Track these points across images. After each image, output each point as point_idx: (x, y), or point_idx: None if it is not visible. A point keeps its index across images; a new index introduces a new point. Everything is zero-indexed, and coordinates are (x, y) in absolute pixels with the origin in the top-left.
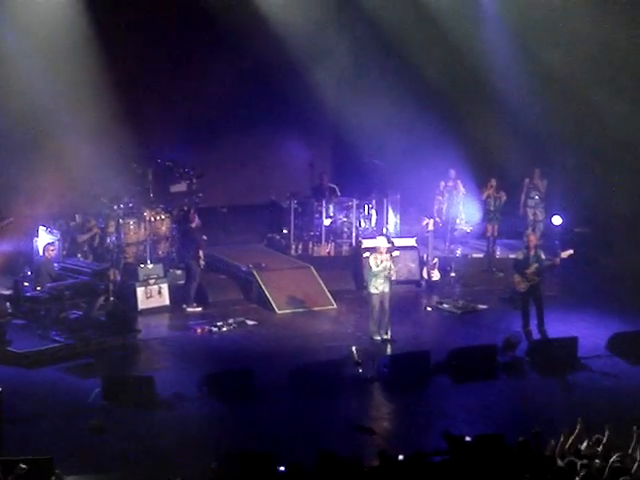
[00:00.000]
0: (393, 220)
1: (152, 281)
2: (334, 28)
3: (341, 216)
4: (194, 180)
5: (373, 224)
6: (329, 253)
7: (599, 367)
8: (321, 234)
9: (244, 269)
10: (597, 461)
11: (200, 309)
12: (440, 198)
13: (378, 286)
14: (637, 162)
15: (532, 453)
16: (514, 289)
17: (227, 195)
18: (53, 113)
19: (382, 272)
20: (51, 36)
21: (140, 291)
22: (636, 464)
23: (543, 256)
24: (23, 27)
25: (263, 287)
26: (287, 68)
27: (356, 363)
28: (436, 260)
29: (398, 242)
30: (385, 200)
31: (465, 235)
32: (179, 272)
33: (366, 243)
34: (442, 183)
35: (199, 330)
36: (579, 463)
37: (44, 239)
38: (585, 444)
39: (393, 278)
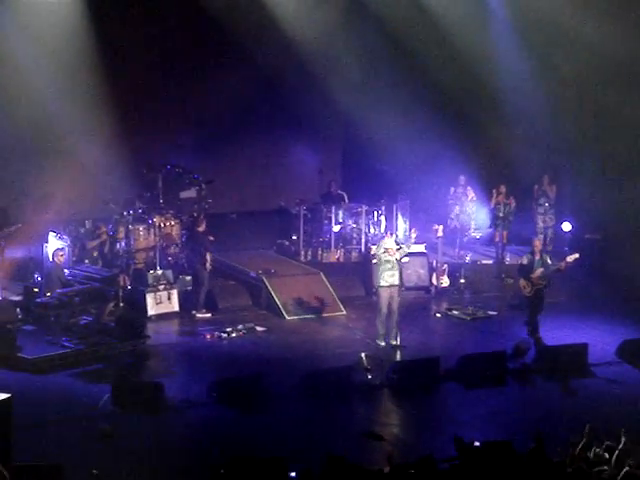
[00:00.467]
0: (402, 226)
1: (161, 287)
2: (345, 34)
3: (350, 222)
4: (204, 186)
5: (382, 230)
6: (338, 259)
7: (609, 374)
8: (330, 240)
9: (253, 275)
10: (607, 468)
11: (209, 315)
12: (451, 204)
13: (387, 279)
14: None
15: (542, 460)
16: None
17: (237, 201)
18: (63, 119)
19: (389, 260)
20: (61, 42)
21: (149, 297)
22: None
23: (549, 261)
24: (33, 34)
25: (272, 293)
26: (298, 75)
27: (365, 369)
28: (445, 266)
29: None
30: (394, 206)
31: (474, 241)
32: (188, 278)
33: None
34: (452, 189)
35: (208, 336)
36: (590, 470)
37: (54, 245)
38: (595, 451)
39: (402, 259)
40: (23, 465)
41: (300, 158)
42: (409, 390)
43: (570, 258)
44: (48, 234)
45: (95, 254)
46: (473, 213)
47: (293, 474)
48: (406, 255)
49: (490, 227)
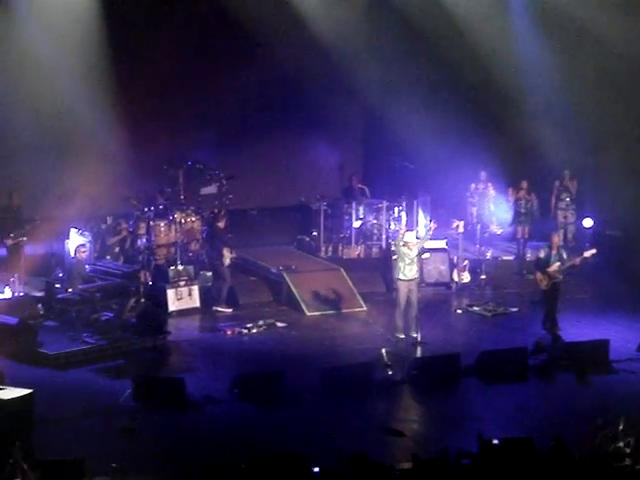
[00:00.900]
0: (423, 222)
1: (182, 283)
2: (366, 31)
3: (371, 218)
4: (224, 182)
5: (403, 226)
6: (359, 255)
7: (630, 370)
8: (351, 236)
9: (274, 271)
10: (628, 463)
11: (230, 310)
12: (471, 200)
13: (406, 272)
14: None
15: (563, 456)
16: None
17: (257, 197)
18: (85, 116)
19: (408, 254)
20: (83, 40)
21: (170, 293)
22: None
23: (565, 255)
24: (56, 32)
25: (293, 289)
26: (319, 71)
27: (386, 365)
28: (466, 262)
29: (428, 244)
30: (415, 202)
31: (495, 237)
32: (209, 274)
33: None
34: (472, 185)
35: (229, 332)
36: (612, 465)
37: (75, 241)
38: (616, 446)
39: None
40: (45, 460)
41: (321, 154)
42: (429, 386)
43: (587, 253)
44: (70, 230)
45: (116, 250)
46: (494, 209)
47: (316, 469)
48: (427, 251)
49: (512, 224)
